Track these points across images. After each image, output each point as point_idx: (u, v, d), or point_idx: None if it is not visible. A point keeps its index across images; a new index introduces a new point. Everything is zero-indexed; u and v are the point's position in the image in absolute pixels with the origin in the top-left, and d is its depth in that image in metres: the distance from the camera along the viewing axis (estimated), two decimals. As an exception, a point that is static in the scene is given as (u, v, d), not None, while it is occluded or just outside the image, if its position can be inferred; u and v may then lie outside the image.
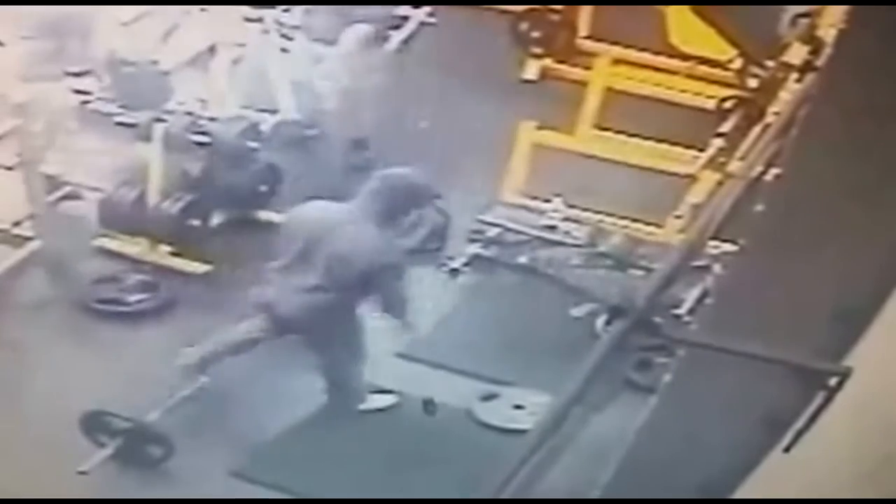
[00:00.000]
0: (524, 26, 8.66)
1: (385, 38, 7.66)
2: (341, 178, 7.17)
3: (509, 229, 6.97)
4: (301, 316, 5.42)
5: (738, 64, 8.03)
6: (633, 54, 8.47)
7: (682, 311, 6.13)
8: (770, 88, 7.57)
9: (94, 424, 5.28)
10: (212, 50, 7.14)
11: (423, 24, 8.54)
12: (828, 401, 2.95)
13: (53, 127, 6.58)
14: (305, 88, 7.42)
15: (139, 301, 6.27)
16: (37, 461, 5.16)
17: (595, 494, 4.27)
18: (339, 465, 5.45)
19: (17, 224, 6.49)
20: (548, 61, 8.66)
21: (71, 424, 5.24)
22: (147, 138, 6.59)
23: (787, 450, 3.10)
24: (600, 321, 5.92)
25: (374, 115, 7.37)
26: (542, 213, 7.09)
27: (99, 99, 6.97)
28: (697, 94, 8.27)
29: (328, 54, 7.39)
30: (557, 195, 7.09)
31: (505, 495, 3.01)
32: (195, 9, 7.23)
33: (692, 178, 7.20)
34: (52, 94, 6.56)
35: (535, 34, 8.65)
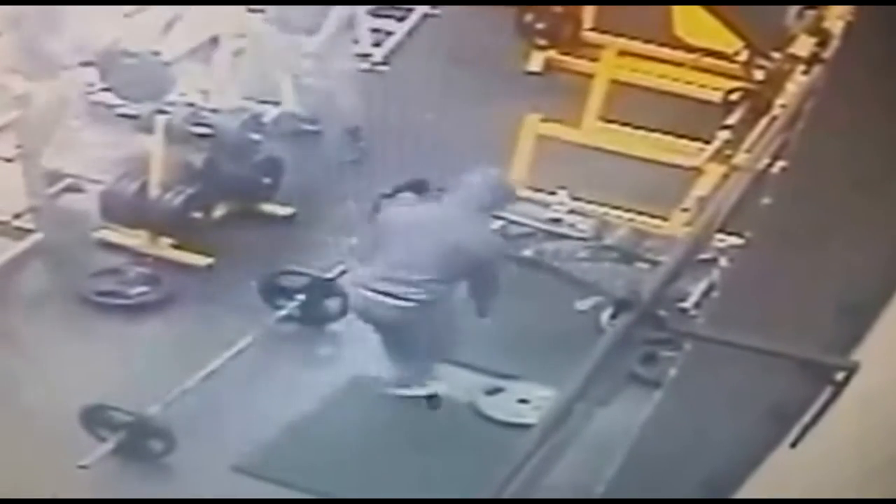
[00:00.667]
0: (529, 18, 8.61)
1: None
2: (338, 170, 7.15)
3: (514, 222, 6.92)
4: (412, 315, 5.49)
5: (744, 56, 7.99)
6: (638, 46, 8.43)
7: (688, 304, 6.09)
8: (776, 80, 7.53)
9: (95, 418, 5.25)
10: (214, 41, 7.10)
11: (427, 15, 8.51)
12: (835, 395, 2.91)
13: (54, 119, 6.55)
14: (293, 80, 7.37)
15: (140, 294, 6.23)
16: (37, 455, 5.13)
17: (600, 489, 4.24)
18: (341, 460, 5.41)
19: (17, 216, 6.47)
20: (553, 53, 8.62)
21: (71, 418, 5.20)
22: (149, 130, 6.56)
23: (793, 445, 3.07)
24: (605, 314, 5.87)
25: (367, 105, 7.32)
26: (547, 205, 7.04)
27: (101, 90, 6.95)
28: (703, 86, 8.23)
29: (308, 44, 7.34)
30: (562, 188, 7.05)
31: (510, 490, 2.98)
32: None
33: (698, 171, 7.16)
34: (53, 85, 6.52)
35: (540, 26, 8.60)
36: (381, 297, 5.50)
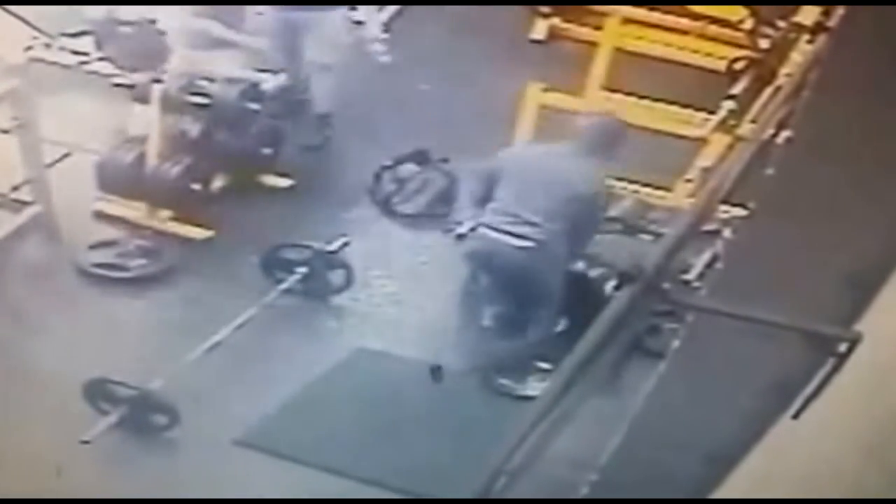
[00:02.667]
0: (533, -15, 8.53)
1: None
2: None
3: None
4: (530, 256, 5.50)
5: (749, 24, 7.93)
6: (643, 14, 8.35)
7: (691, 276, 6.05)
8: (781, 49, 7.49)
9: (98, 392, 5.22)
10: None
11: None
12: (838, 367, 2.89)
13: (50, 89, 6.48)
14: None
15: (139, 267, 6.18)
16: (38, 430, 5.11)
17: (603, 459, 4.23)
18: (344, 433, 5.39)
19: (15, 189, 6.42)
20: (556, 21, 8.55)
21: (73, 392, 5.18)
22: (145, 100, 6.49)
23: (795, 416, 3.05)
24: (609, 286, 5.84)
25: (367, 74, 7.24)
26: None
27: (97, 60, 6.89)
28: (708, 54, 8.16)
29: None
30: (565, 158, 6.98)
31: (514, 461, 2.98)
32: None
33: (702, 141, 7.12)
34: (49, 55, 6.46)
35: (544, -7, 8.52)
36: (502, 237, 5.51)
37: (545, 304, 5.68)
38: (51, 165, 6.54)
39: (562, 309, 5.67)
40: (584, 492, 4.18)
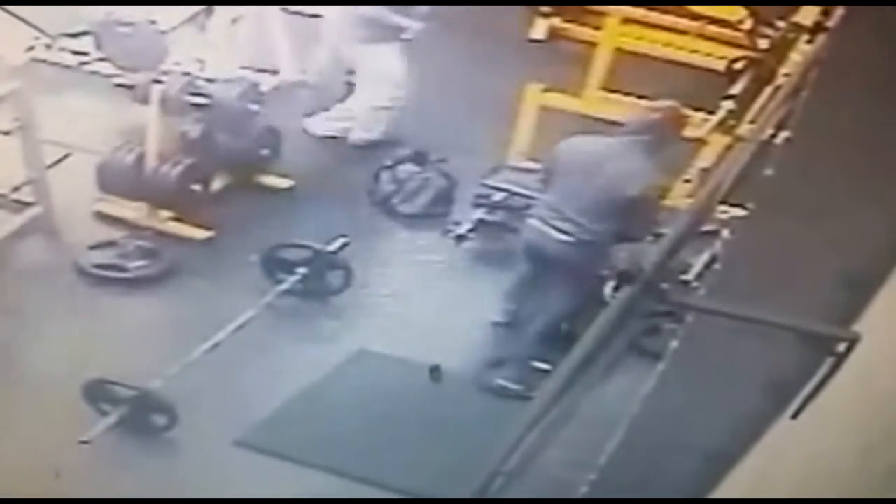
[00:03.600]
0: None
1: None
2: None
3: (516, 193, 6.88)
4: (566, 251, 5.49)
5: (748, 24, 7.93)
6: (642, 14, 8.37)
7: (689, 276, 6.05)
8: (780, 49, 7.49)
9: (97, 392, 5.23)
10: (209, 9, 7.03)
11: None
12: (836, 367, 2.89)
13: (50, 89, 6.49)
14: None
15: (139, 267, 6.19)
16: (38, 430, 5.12)
17: (601, 460, 4.23)
18: (344, 434, 5.40)
19: (16, 189, 6.42)
20: (556, 21, 8.57)
21: (72, 392, 5.19)
22: (145, 100, 6.50)
23: (794, 416, 3.06)
24: (608, 287, 5.84)
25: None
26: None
27: (97, 60, 6.90)
28: (708, 54, 8.17)
29: None
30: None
31: (511, 462, 2.98)
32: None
33: (701, 142, 7.12)
34: (49, 56, 6.46)
35: (544, -6, 8.54)
36: (549, 230, 5.51)
37: (566, 302, 5.67)
38: (51, 166, 6.55)
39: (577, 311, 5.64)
40: (583, 492, 4.18)
